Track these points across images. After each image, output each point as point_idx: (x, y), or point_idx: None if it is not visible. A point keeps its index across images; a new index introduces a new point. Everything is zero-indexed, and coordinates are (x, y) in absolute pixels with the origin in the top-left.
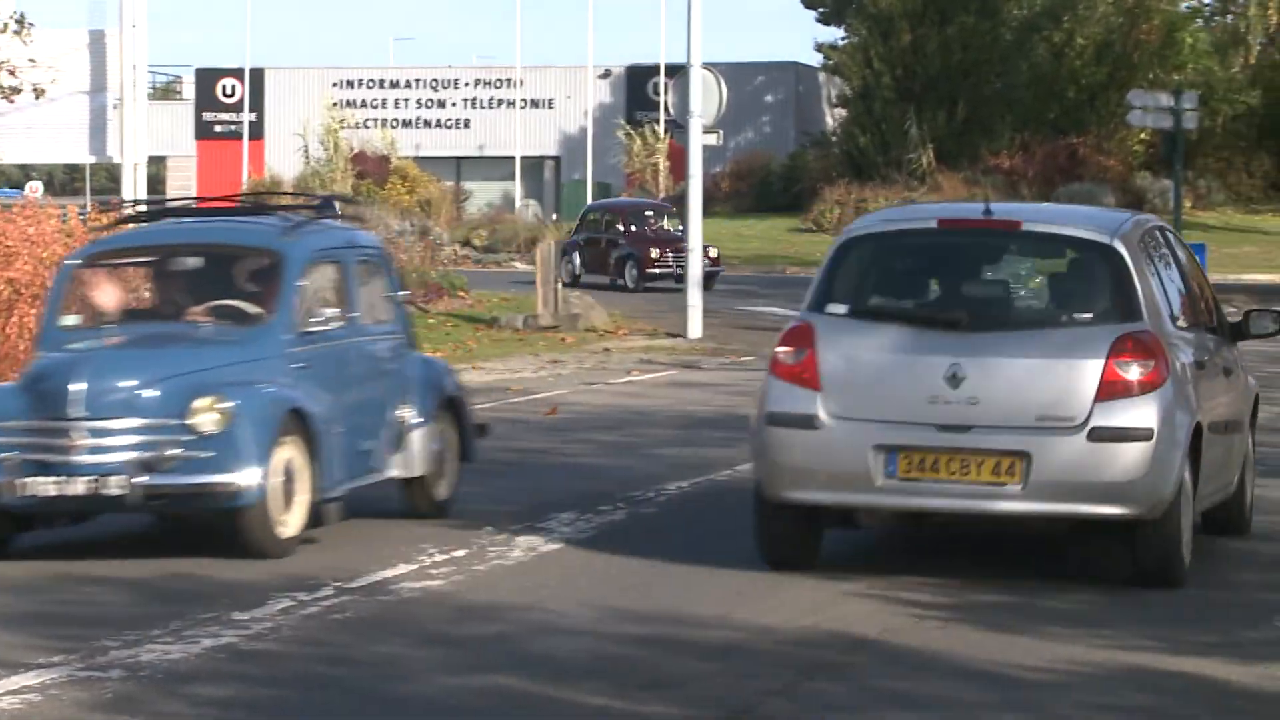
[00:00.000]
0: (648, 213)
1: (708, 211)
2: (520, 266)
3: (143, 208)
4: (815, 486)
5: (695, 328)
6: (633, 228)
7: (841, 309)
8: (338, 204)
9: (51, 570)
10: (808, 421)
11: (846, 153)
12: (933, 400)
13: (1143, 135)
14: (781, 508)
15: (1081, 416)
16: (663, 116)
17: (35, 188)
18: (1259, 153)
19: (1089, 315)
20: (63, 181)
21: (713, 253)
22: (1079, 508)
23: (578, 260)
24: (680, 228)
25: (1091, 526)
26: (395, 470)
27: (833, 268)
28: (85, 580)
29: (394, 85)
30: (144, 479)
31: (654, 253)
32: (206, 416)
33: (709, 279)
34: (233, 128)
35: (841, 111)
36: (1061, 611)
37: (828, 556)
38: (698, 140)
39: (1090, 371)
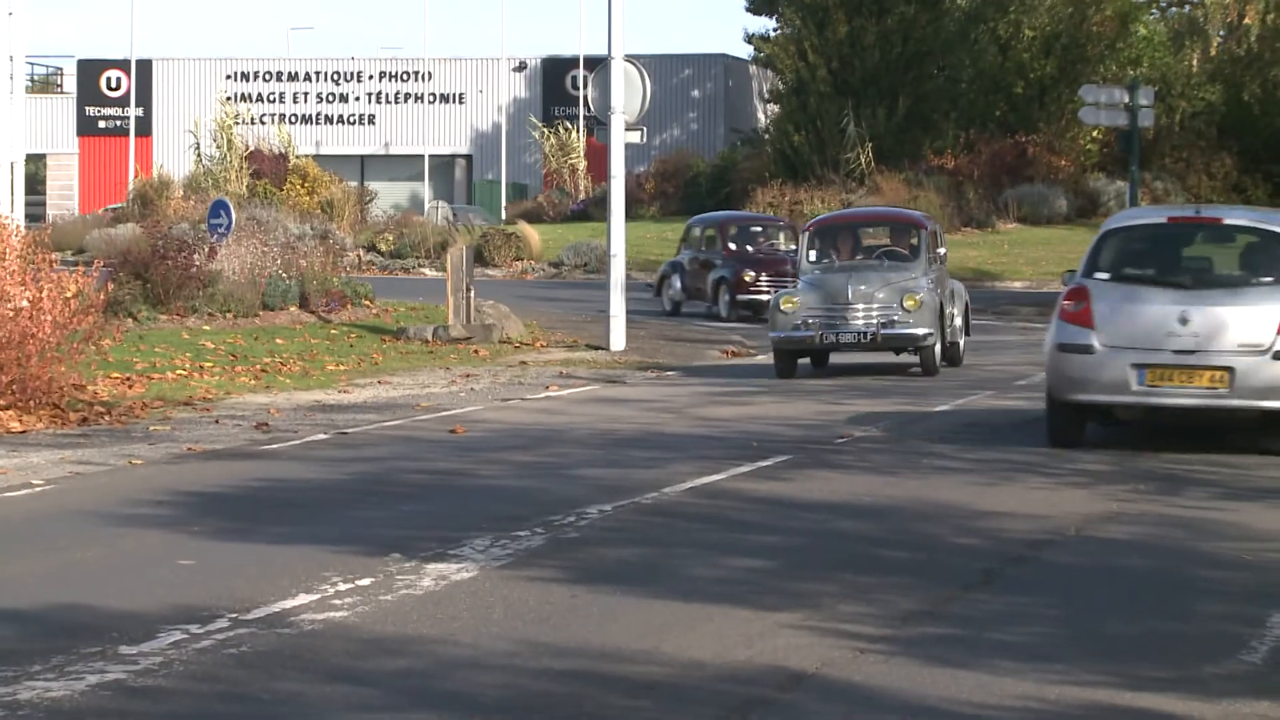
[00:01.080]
0: (755, 228)
1: (631, 214)
2: (430, 273)
3: None
4: (1090, 391)
5: (618, 339)
6: (732, 245)
7: (1105, 275)
8: None
9: None
10: (1087, 349)
11: (780, 151)
12: (1169, 334)
13: (1095, 133)
14: (1066, 406)
15: (1267, 344)
16: (582, 112)
17: None
18: (1220, 153)
19: (1270, 278)
20: None
21: None
22: (1265, 403)
23: (678, 284)
24: (794, 247)
25: (1271, 417)
26: None
27: (1097, 249)
28: None
29: (292, 78)
30: None
31: (748, 275)
32: None
33: None
34: (118, 123)
35: (774, 107)
36: (1010, 644)
37: (747, 579)
38: (619, 138)
39: (1273, 315)
